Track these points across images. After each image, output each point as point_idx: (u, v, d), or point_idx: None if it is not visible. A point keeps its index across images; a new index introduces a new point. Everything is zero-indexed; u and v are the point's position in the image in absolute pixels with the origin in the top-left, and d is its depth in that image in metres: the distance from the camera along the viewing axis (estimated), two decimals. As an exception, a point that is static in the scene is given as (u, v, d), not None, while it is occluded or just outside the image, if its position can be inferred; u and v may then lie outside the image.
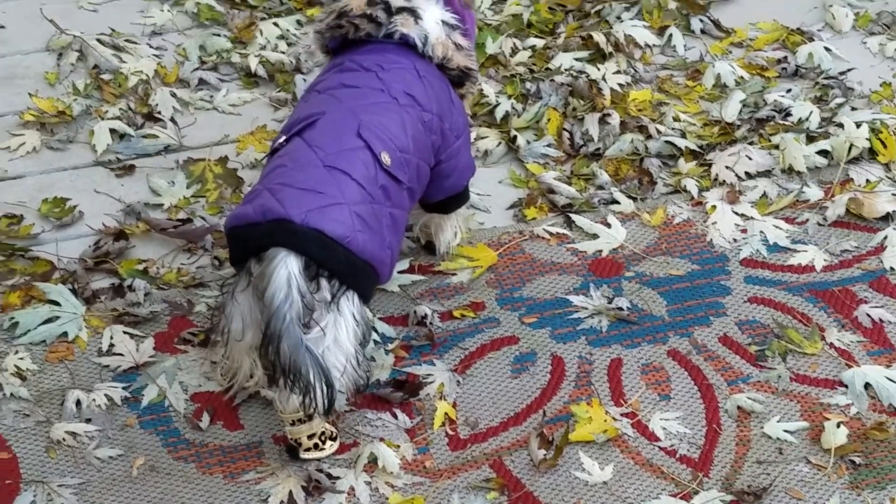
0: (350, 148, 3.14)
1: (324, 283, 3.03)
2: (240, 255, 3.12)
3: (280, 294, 2.96)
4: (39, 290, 3.53)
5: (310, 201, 3.04)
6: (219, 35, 4.35)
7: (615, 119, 4.06)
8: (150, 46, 4.31)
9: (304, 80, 4.19)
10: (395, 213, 3.19)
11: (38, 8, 4.45)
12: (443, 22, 3.38)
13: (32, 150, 3.98)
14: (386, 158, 3.16)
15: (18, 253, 3.66)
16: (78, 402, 3.30)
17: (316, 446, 3.19)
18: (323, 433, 3.19)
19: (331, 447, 3.20)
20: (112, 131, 4.01)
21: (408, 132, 3.24)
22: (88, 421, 3.27)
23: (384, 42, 3.34)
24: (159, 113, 4.07)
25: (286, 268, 2.97)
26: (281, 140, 3.22)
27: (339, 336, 3.07)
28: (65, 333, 3.46)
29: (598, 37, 4.32)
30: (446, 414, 3.30)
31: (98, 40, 4.29)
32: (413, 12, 3.34)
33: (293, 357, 2.95)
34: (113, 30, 4.35)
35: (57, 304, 3.51)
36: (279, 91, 4.19)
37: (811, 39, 4.42)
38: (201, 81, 4.21)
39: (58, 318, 3.48)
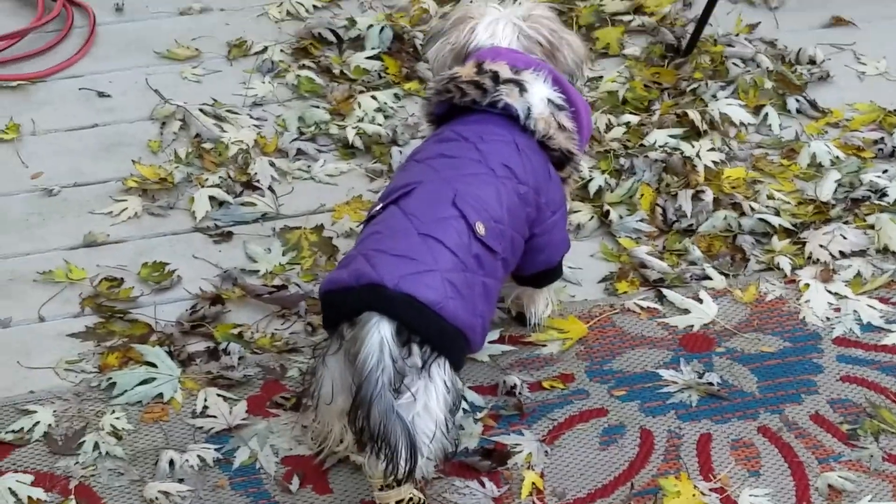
0: (445, 217, 3.18)
1: (415, 348, 3.06)
2: (333, 319, 3.16)
3: (372, 359, 2.99)
4: (137, 351, 3.60)
5: (403, 267, 3.08)
6: (318, 107, 4.41)
7: (709, 196, 4.07)
8: (251, 117, 4.39)
9: (401, 152, 4.24)
10: (488, 282, 3.22)
11: (144, 78, 4.55)
12: (548, 100, 3.42)
13: (134, 215, 4.06)
14: (480, 228, 3.19)
15: (118, 315, 3.73)
16: (171, 462, 3.34)
17: None
18: (411, 499, 3.21)
19: None
20: (211, 199, 4.08)
21: (503, 203, 3.27)
22: (181, 481, 3.32)
23: (487, 112, 3.39)
24: (258, 182, 4.14)
25: (379, 332, 3.01)
26: (377, 208, 3.27)
27: (429, 403, 3.09)
28: (160, 395, 3.52)
29: (694, 114, 4.34)
30: (534, 484, 3.31)
31: (201, 110, 4.37)
32: (519, 84, 3.39)
33: (383, 423, 2.98)
34: (215, 100, 4.44)
35: (154, 365, 3.57)
36: (375, 162, 4.24)
37: (908, 121, 4.41)
38: (299, 152, 4.27)
39: (154, 379, 3.54)
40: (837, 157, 4.27)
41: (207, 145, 4.27)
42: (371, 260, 3.10)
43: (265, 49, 4.67)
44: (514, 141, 3.38)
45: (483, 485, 3.33)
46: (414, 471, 3.05)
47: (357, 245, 3.23)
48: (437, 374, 3.10)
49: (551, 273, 3.59)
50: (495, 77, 3.41)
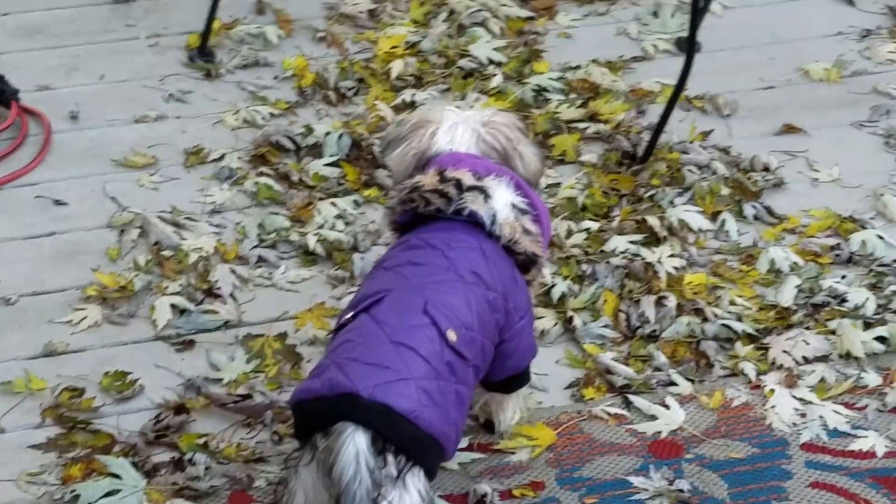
0: (416, 324, 3.17)
1: (390, 458, 3.04)
2: (305, 429, 3.12)
3: (349, 471, 2.96)
4: (100, 462, 3.54)
5: (377, 376, 3.06)
6: (277, 214, 4.40)
7: (671, 302, 4.08)
8: (210, 224, 4.37)
9: (362, 258, 4.24)
10: (461, 389, 3.20)
11: (101, 185, 4.53)
12: (512, 205, 3.43)
13: (94, 324, 4.01)
14: (452, 335, 3.18)
15: (80, 426, 3.67)
16: (138, 577, 3.27)
17: None
18: None
19: None
20: (172, 306, 4.04)
21: (473, 310, 3.27)
22: None
23: (452, 219, 3.39)
24: (219, 289, 4.11)
25: (354, 444, 2.98)
26: (348, 316, 3.25)
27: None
28: (125, 507, 3.46)
29: (653, 221, 4.36)
30: None
31: (159, 217, 4.35)
32: (483, 191, 3.39)
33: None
34: (174, 207, 4.41)
35: (118, 477, 3.51)
36: (337, 269, 4.23)
37: (864, 227, 4.45)
38: (260, 259, 4.25)
39: (119, 490, 3.48)
40: (796, 263, 4.30)
41: (167, 253, 4.24)
42: (344, 369, 3.08)
43: (223, 156, 4.66)
44: (480, 247, 3.38)
45: None
46: None
47: (329, 354, 3.20)
48: (411, 484, 3.07)
49: (520, 378, 3.58)
50: (459, 185, 3.41)
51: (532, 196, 3.53)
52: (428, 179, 3.44)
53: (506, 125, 3.61)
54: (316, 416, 3.08)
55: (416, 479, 3.08)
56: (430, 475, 3.13)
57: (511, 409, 3.66)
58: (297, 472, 3.12)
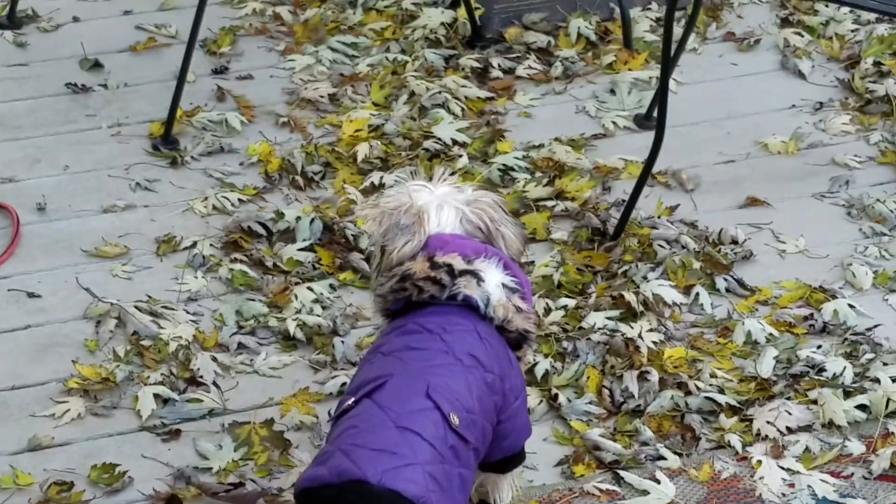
0: (420, 409, 3.18)
1: None
2: None
3: None
4: (96, 556, 3.50)
5: (385, 462, 3.06)
6: (254, 300, 4.40)
7: (654, 376, 4.12)
8: (187, 312, 4.35)
9: (343, 342, 4.24)
10: (464, 473, 3.21)
11: (74, 277, 4.51)
12: (503, 285, 3.45)
13: (77, 416, 3.98)
14: (454, 419, 3.19)
15: (70, 520, 3.63)
16: None
17: None
18: None
19: None
20: (156, 396, 4.03)
21: (473, 393, 3.28)
22: None
23: (447, 304, 3.40)
24: (201, 377, 4.10)
25: None
26: (350, 402, 3.25)
27: None
28: None
29: (629, 296, 4.40)
30: None
31: (136, 307, 4.33)
32: (476, 275, 3.41)
33: None
34: (149, 296, 4.40)
35: (115, 570, 3.47)
36: (318, 353, 4.23)
37: (834, 297, 4.51)
38: (240, 345, 4.24)
39: (117, 584, 3.44)
40: (772, 334, 4.35)
41: (146, 342, 4.22)
42: (351, 455, 3.08)
43: (194, 244, 4.65)
44: (475, 329, 3.40)
45: None
46: None
47: (333, 441, 3.20)
48: None
49: (515, 458, 3.60)
50: (451, 270, 3.43)
51: (519, 273, 3.56)
52: (418, 267, 3.45)
53: (489, 204, 3.64)
54: (320, 502, 3.07)
55: None
56: None
57: (507, 489, 3.67)
58: None
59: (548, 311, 4.39)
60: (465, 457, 3.22)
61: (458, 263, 3.44)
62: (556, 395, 4.09)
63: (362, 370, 3.39)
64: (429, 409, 3.18)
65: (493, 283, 3.46)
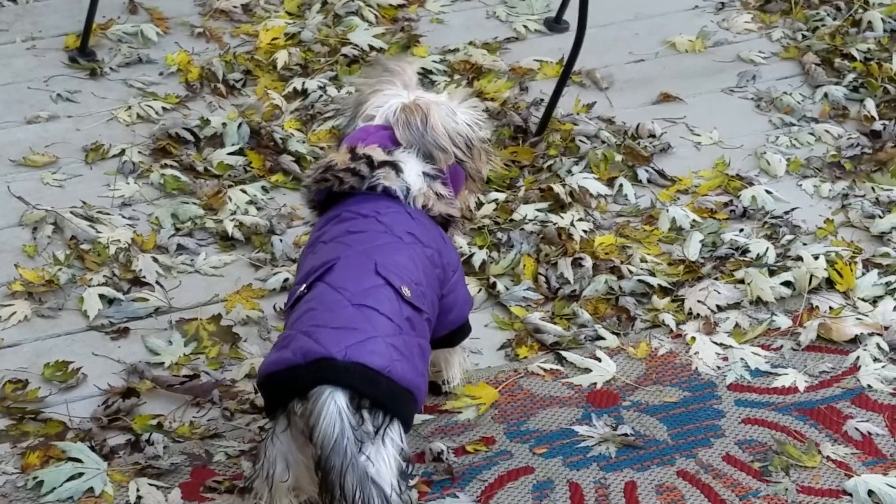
0: (372, 286, 3.26)
1: (366, 415, 3.11)
2: (279, 400, 3.18)
3: (335, 429, 3.03)
4: (59, 448, 3.55)
5: (347, 338, 3.14)
6: (188, 203, 4.44)
7: (588, 262, 4.24)
8: (123, 217, 4.39)
9: (281, 240, 4.30)
10: (422, 342, 3.30)
11: (6, 186, 4.51)
12: (423, 173, 3.52)
13: (24, 318, 4.00)
14: (406, 291, 3.28)
15: (29, 416, 3.67)
16: (117, 553, 3.30)
17: None
18: None
19: None
20: (101, 297, 4.06)
21: (418, 266, 3.37)
22: (130, 570, 3.28)
23: (370, 193, 3.48)
24: (144, 277, 4.13)
25: (335, 403, 3.06)
26: (301, 288, 3.32)
27: (381, 469, 3.14)
28: (91, 489, 3.48)
29: (557, 188, 4.52)
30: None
31: (72, 213, 4.35)
32: (395, 166, 3.48)
33: (359, 491, 3.02)
34: (84, 202, 4.41)
35: (79, 461, 3.52)
36: (258, 252, 4.28)
37: (751, 184, 4.67)
38: (180, 247, 4.29)
39: (82, 474, 3.50)
40: (695, 220, 4.49)
41: (85, 246, 4.25)
42: (313, 335, 3.15)
43: (123, 151, 4.68)
44: (406, 211, 3.48)
45: (430, 548, 3.38)
46: None
47: (292, 325, 3.26)
48: (388, 440, 3.15)
49: (462, 330, 3.68)
50: (370, 162, 3.49)
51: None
52: (339, 158, 3.51)
53: (429, 106, 3.61)
54: (290, 384, 3.14)
55: (392, 435, 3.16)
56: (406, 427, 3.21)
57: (457, 366, 3.77)
58: (274, 441, 3.18)
59: (479, 204, 4.49)
60: (420, 327, 3.32)
61: (378, 154, 3.50)
62: (495, 283, 4.20)
63: (306, 261, 3.45)
64: (381, 286, 3.27)
65: (412, 173, 3.51)
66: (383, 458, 3.15)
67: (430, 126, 3.56)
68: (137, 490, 3.48)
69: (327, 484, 3.04)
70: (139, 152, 4.68)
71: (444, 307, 3.54)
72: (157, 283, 4.15)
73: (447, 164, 3.60)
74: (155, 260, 4.21)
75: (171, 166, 4.61)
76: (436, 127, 3.56)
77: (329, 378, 3.09)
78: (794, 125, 5.03)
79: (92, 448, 3.56)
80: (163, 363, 3.87)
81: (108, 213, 4.40)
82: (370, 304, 3.22)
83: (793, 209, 4.59)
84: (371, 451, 3.13)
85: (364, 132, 3.58)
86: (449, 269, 3.52)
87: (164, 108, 4.92)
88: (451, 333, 3.65)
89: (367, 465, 3.07)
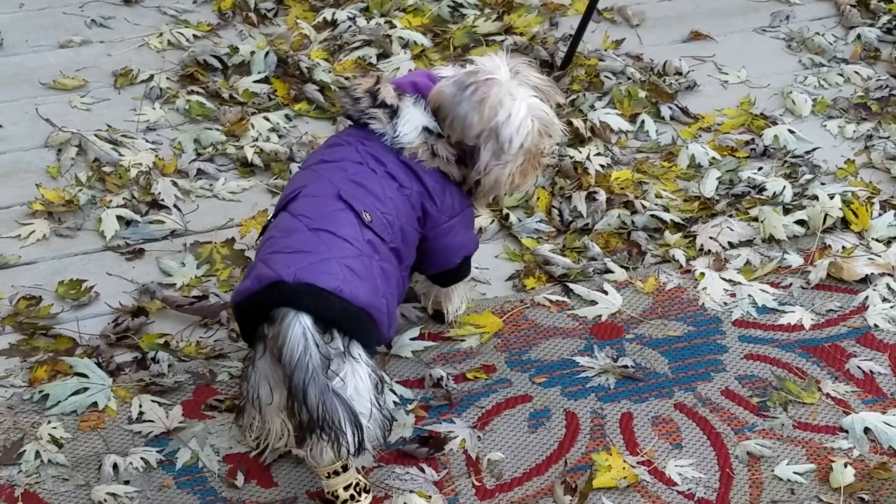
0: (332, 210, 3.32)
1: (336, 333, 3.17)
2: (248, 328, 3.25)
3: (299, 347, 3.09)
4: (66, 364, 3.63)
5: (298, 261, 3.20)
6: (211, 129, 4.49)
7: (602, 196, 4.26)
8: (147, 141, 4.45)
9: (300, 168, 4.33)
10: (385, 266, 3.34)
11: (34, 108, 4.58)
12: (423, 128, 3.50)
13: (42, 237, 4.08)
14: (367, 216, 3.33)
15: (40, 331, 3.75)
16: (115, 466, 3.38)
17: (352, 497, 3.29)
18: (358, 484, 3.30)
19: (366, 499, 3.32)
20: (119, 218, 4.13)
21: (386, 196, 3.40)
22: (127, 483, 3.35)
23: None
24: (162, 200, 4.20)
25: (300, 323, 3.12)
26: (270, 217, 3.38)
27: (358, 384, 3.19)
28: (94, 403, 3.56)
29: (577, 122, 4.53)
30: (469, 467, 3.43)
31: (96, 135, 4.42)
32: (393, 110, 3.48)
33: (322, 404, 3.07)
34: (109, 126, 4.48)
35: (84, 376, 3.60)
36: (275, 178, 4.33)
37: (774, 123, 4.66)
38: (199, 172, 4.35)
39: (87, 389, 3.58)
40: (714, 158, 4.49)
41: (107, 169, 4.32)
42: (268, 262, 3.22)
43: (151, 77, 4.73)
44: (394, 149, 3.50)
45: (423, 470, 3.43)
46: (363, 444, 3.13)
47: (257, 254, 3.33)
48: (359, 356, 3.20)
49: (453, 273, 3.71)
50: (374, 97, 3.51)
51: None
52: (364, 84, 3.55)
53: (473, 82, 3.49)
54: (253, 311, 3.21)
55: (362, 352, 3.21)
56: (366, 347, 3.25)
57: (458, 299, 3.81)
58: (256, 367, 3.24)
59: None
60: (384, 252, 3.35)
61: (386, 93, 3.50)
62: (507, 214, 4.23)
63: (285, 188, 3.51)
64: (341, 210, 3.32)
65: (410, 124, 3.49)
66: (359, 375, 3.20)
67: (481, 104, 3.44)
68: (140, 406, 3.55)
69: (292, 400, 3.10)
70: (167, 78, 4.74)
71: (429, 249, 3.57)
72: (175, 206, 4.21)
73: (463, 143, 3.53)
74: (174, 184, 4.27)
75: (198, 93, 4.67)
76: (484, 109, 3.44)
77: (283, 300, 3.15)
78: (823, 66, 5.00)
79: (98, 364, 3.63)
80: (174, 284, 3.94)
81: (132, 137, 4.47)
82: (327, 227, 3.28)
83: (814, 149, 4.58)
84: (346, 369, 3.18)
85: (421, 74, 3.61)
86: (441, 214, 3.53)
87: (195, 36, 4.97)
88: (442, 274, 3.68)
89: (333, 379, 3.12)
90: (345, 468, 3.27)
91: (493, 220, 4.23)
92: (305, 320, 3.12)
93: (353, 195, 3.34)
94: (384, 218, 3.36)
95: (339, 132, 3.60)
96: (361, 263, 3.25)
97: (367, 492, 3.32)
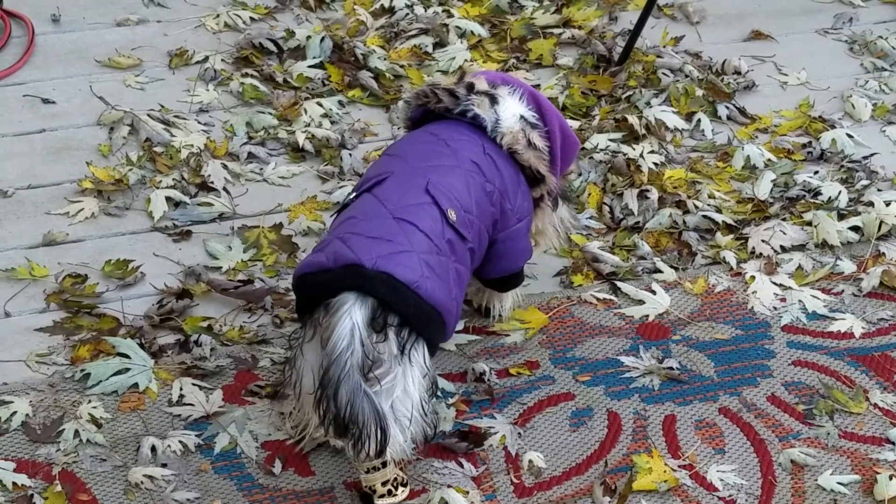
0: (418, 203, 3.27)
1: (391, 334, 3.13)
2: (309, 302, 3.21)
3: (343, 342, 3.06)
4: (109, 343, 3.62)
5: (380, 248, 3.15)
6: (264, 113, 4.48)
7: (654, 194, 4.21)
8: (199, 122, 4.44)
9: (350, 155, 4.33)
10: (460, 268, 3.31)
11: (88, 85, 4.58)
12: (521, 116, 3.52)
13: (91, 215, 4.08)
14: (452, 214, 3.29)
15: (84, 310, 3.75)
16: (153, 448, 3.37)
17: (389, 492, 3.28)
18: (395, 479, 3.28)
19: (402, 493, 3.29)
20: (168, 199, 4.12)
21: (472, 194, 3.37)
22: (164, 466, 3.34)
23: (459, 119, 3.48)
24: (212, 183, 4.19)
25: (350, 318, 3.08)
26: (351, 197, 3.35)
27: (407, 386, 3.17)
28: (136, 384, 3.55)
29: (632, 119, 4.49)
30: (509, 464, 3.41)
31: (149, 115, 4.41)
32: (492, 98, 3.50)
33: (351, 403, 3.04)
34: (162, 106, 4.48)
35: (126, 356, 3.59)
36: (326, 165, 4.32)
37: (832, 127, 4.60)
38: (250, 155, 4.33)
39: (128, 370, 3.57)
40: (770, 160, 4.44)
41: (158, 149, 4.31)
42: (348, 242, 3.18)
43: (206, 58, 4.72)
44: (482, 144, 3.48)
45: (461, 465, 3.41)
46: (385, 448, 3.11)
47: (332, 230, 3.29)
48: (414, 359, 3.17)
49: (513, 278, 3.69)
50: (470, 87, 3.51)
51: (548, 114, 3.60)
52: (446, 80, 3.55)
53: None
54: (319, 287, 3.17)
55: (418, 355, 3.18)
56: (432, 347, 3.23)
57: (510, 302, 3.78)
58: (302, 352, 3.21)
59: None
60: (461, 252, 3.32)
61: (481, 84, 3.53)
62: (558, 209, 4.18)
63: (368, 170, 3.48)
64: (427, 204, 3.28)
65: (509, 111, 3.52)
66: (410, 377, 3.17)
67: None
68: (181, 389, 3.54)
69: (322, 392, 3.06)
70: (222, 60, 4.73)
71: (498, 252, 3.54)
72: (224, 189, 4.20)
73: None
74: (224, 166, 4.26)
75: (252, 75, 4.66)
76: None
77: (356, 284, 3.11)
78: (885, 70, 4.94)
79: (141, 345, 3.63)
80: (220, 267, 3.93)
81: (184, 118, 4.46)
82: (411, 219, 3.24)
83: (872, 154, 4.51)
84: (398, 371, 3.15)
85: (492, 73, 3.62)
86: (513, 215, 3.52)
87: (251, 18, 4.96)
88: (503, 279, 3.65)
89: (372, 383, 3.10)
90: (384, 464, 3.25)
91: (543, 215, 4.18)
92: (358, 317, 3.08)
93: (440, 190, 3.31)
94: (466, 217, 3.34)
95: (426, 125, 3.54)
96: (439, 262, 3.22)
97: (405, 485, 3.31)
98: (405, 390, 3.17)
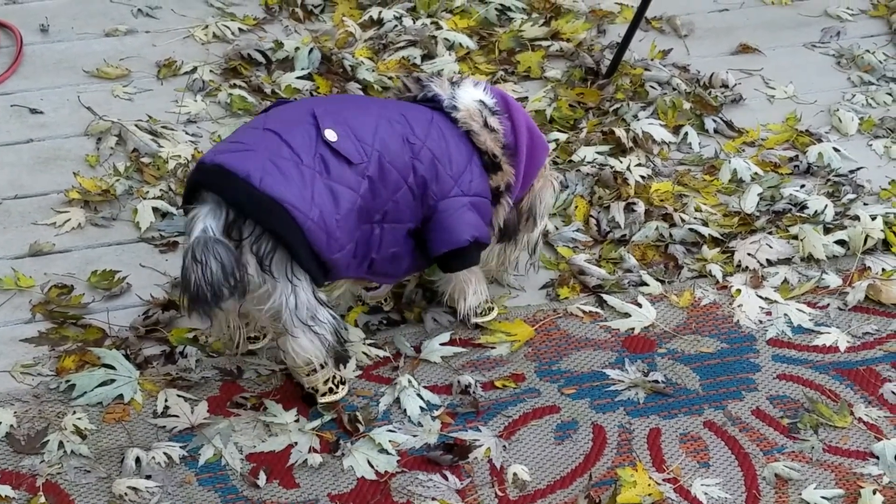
0: (296, 121, 3.37)
1: (247, 245, 3.24)
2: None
3: (196, 232, 3.22)
4: (94, 354, 3.62)
5: (228, 149, 3.29)
6: (252, 124, 4.47)
7: (640, 207, 4.22)
8: (186, 133, 4.44)
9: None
10: (336, 187, 3.32)
11: (76, 95, 4.58)
12: (480, 101, 3.59)
13: (78, 226, 4.08)
14: (331, 135, 3.33)
15: (70, 321, 3.74)
16: (137, 460, 3.37)
17: (331, 390, 3.53)
18: (334, 378, 3.48)
19: (343, 390, 3.55)
20: (154, 210, 4.12)
21: (379, 132, 3.41)
22: (148, 477, 3.34)
23: (424, 104, 3.58)
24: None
25: (203, 222, 3.22)
26: None
27: (287, 296, 3.29)
28: (120, 396, 3.55)
29: (620, 132, 4.49)
30: (493, 477, 3.41)
31: (136, 126, 4.41)
32: (453, 83, 3.61)
33: (199, 252, 3.17)
34: (150, 116, 4.48)
35: (112, 368, 3.59)
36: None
37: (819, 140, 4.61)
38: (238, 166, 4.32)
39: (113, 381, 3.57)
40: (757, 173, 4.44)
41: (146, 159, 4.31)
42: (213, 149, 3.35)
43: (195, 69, 4.73)
44: (431, 115, 3.54)
45: (446, 478, 3.41)
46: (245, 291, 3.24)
47: None
48: (278, 272, 3.26)
49: (459, 257, 3.62)
50: (433, 76, 3.64)
51: (517, 114, 3.62)
52: (416, 75, 3.60)
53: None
54: (190, 195, 3.33)
55: (282, 268, 3.27)
56: (299, 262, 3.26)
57: (471, 294, 3.75)
58: None
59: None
60: (338, 173, 3.33)
61: (451, 76, 3.57)
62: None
63: None
64: (305, 123, 3.35)
65: (468, 94, 3.60)
66: (288, 288, 3.29)
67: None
68: (166, 400, 3.54)
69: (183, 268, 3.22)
70: (210, 71, 4.73)
71: (439, 222, 3.53)
72: (211, 200, 4.18)
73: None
74: (212, 177, 4.25)
75: (240, 87, 4.66)
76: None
77: (196, 179, 3.28)
78: (872, 84, 4.94)
79: (126, 356, 3.63)
80: (206, 279, 3.91)
81: (172, 129, 4.46)
82: (276, 129, 3.33)
83: (858, 168, 4.52)
84: (273, 286, 3.29)
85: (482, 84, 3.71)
86: (455, 184, 3.53)
87: (240, 29, 4.97)
88: (446, 255, 3.59)
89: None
90: (322, 366, 3.41)
91: (530, 228, 4.18)
92: (211, 222, 3.21)
93: (329, 116, 3.38)
94: (359, 145, 3.37)
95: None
96: (296, 169, 3.27)
97: (344, 384, 3.52)
98: (288, 300, 3.28)
